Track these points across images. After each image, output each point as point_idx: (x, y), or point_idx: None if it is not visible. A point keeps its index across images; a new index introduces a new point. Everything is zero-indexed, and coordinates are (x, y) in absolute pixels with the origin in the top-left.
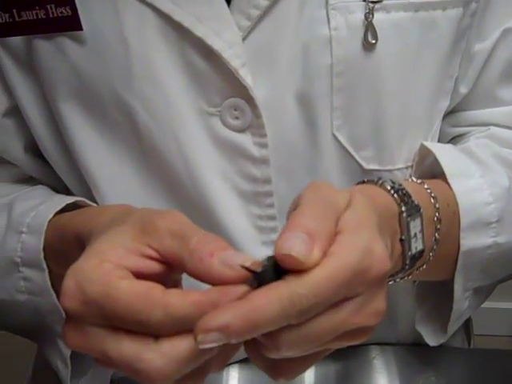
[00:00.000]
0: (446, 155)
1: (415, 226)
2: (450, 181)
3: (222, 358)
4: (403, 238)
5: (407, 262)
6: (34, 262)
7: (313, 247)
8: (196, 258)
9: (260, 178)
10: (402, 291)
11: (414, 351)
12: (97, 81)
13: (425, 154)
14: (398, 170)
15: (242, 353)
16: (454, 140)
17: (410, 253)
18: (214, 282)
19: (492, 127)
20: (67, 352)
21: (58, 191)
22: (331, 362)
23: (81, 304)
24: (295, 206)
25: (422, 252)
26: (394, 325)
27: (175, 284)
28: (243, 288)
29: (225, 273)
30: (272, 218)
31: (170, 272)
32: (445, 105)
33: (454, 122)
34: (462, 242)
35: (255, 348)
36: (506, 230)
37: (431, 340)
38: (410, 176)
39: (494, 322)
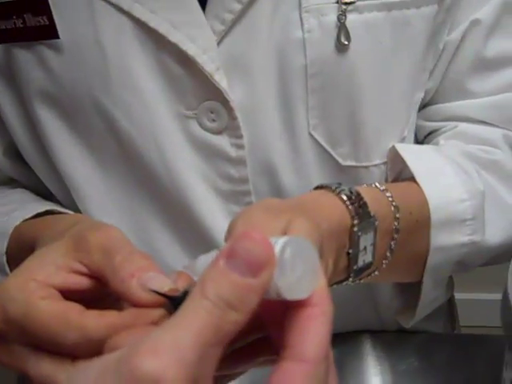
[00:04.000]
0: (416, 156)
1: (366, 240)
2: (418, 180)
3: None
4: (350, 252)
5: (351, 274)
6: None
7: None
8: (118, 278)
9: (238, 178)
10: (383, 284)
11: (398, 337)
12: (76, 88)
13: (396, 155)
14: (375, 166)
15: None
16: (429, 136)
17: (355, 266)
18: (133, 303)
19: (460, 124)
20: None
21: (39, 193)
22: None
23: (4, 323)
24: (228, 237)
25: (369, 264)
26: (378, 313)
27: (118, 299)
28: (159, 312)
29: (141, 296)
30: None
31: (102, 288)
32: (420, 96)
33: (427, 116)
34: (432, 239)
35: None
36: (481, 229)
37: (405, 323)
38: (387, 175)
39: (482, 312)
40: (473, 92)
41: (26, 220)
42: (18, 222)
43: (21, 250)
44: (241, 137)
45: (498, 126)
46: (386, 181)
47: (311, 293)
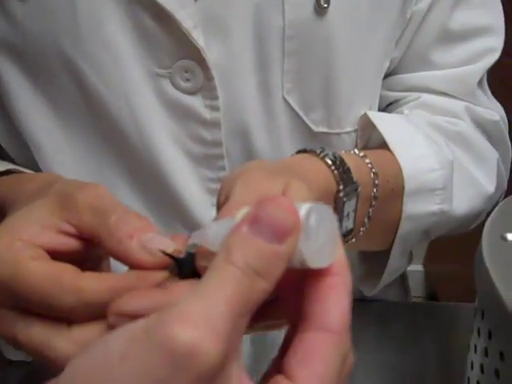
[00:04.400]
0: (388, 124)
1: (349, 206)
2: (392, 148)
3: None
4: None
5: None
6: None
7: None
8: (114, 238)
9: (211, 141)
10: (346, 252)
11: (357, 306)
12: (41, 40)
13: (368, 123)
14: (346, 133)
15: None
16: (388, 107)
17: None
18: (133, 265)
19: (423, 95)
20: None
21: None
22: None
23: None
24: (225, 199)
25: (351, 231)
26: None
27: (101, 259)
28: (162, 274)
29: (143, 258)
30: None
31: (90, 248)
32: (386, 65)
33: (388, 86)
34: (404, 207)
35: None
36: (450, 198)
37: (367, 291)
38: (357, 143)
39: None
40: (436, 63)
41: None
42: None
43: None
44: (216, 98)
45: (459, 98)
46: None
47: (333, 261)
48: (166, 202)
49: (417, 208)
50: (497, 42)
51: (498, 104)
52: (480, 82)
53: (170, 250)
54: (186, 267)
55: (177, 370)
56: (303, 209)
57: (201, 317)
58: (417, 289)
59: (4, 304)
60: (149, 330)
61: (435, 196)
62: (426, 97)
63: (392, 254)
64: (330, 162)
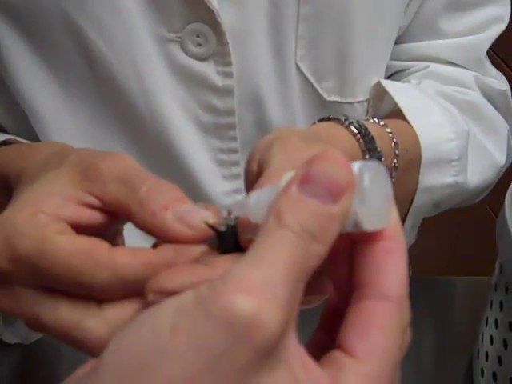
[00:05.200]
0: (402, 93)
1: None
2: (409, 118)
3: None
4: None
5: None
6: None
7: None
8: (147, 211)
9: (223, 110)
10: None
11: None
12: (42, 1)
13: (380, 91)
14: (359, 102)
15: None
16: (394, 76)
17: None
18: (168, 239)
19: (431, 64)
20: None
21: None
22: None
23: (9, 261)
24: (258, 168)
25: None
26: None
27: (116, 235)
28: (202, 248)
29: (182, 231)
30: (234, 151)
31: (112, 222)
32: (395, 35)
33: (395, 55)
34: (421, 178)
35: None
36: (465, 170)
37: None
38: (367, 112)
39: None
40: (444, 32)
41: None
42: None
43: None
44: (229, 64)
45: (467, 68)
46: None
47: (387, 223)
48: (173, 174)
49: (433, 179)
50: (504, 11)
51: (502, 75)
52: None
53: (210, 222)
54: (227, 241)
55: (236, 341)
56: (356, 166)
57: (259, 283)
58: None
59: (26, 282)
60: (201, 299)
61: (451, 167)
62: (434, 66)
63: (405, 227)
64: (355, 131)
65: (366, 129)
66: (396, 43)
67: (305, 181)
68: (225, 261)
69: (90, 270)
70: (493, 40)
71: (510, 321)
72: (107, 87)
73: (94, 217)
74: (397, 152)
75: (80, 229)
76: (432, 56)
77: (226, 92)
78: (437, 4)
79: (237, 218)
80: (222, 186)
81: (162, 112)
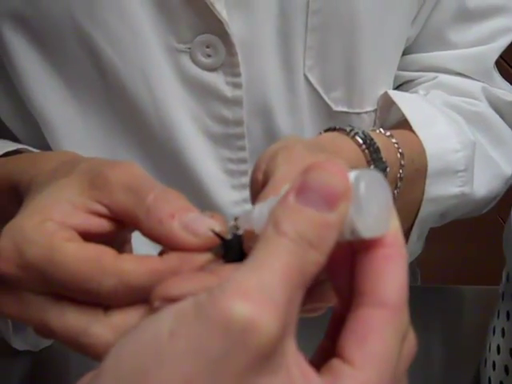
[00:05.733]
0: (409, 104)
1: None
2: (415, 129)
3: None
4: None
5: None
6: None
7: None
8: (154, 219)
9: (232, 120)
10: None
11: None
12: (53, 8)
13: (388, 102)
14: (366, 113)
15: None
16: (402, 86)
17: None
18: (175, 247)
19: (439, 75)
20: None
21: None
22: None
23: (18, 268)
24: (264, 177)
25: None
26: None
27: (124, 243)
28: (206, 257)
29: (188, 239)
30: (243, 161)
31: (120, 230)
32: (403, 46)
33: (403, 66)
34: (427, 189)
35: None
36: (471, 181)
37: None
38: (375, 122)
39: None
40: (452, 42)
41: None
42: None
43: None
44: (238, 75)
45: (475, 79)
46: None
47: (386, 231)
48: (183, 183)
49: (439, 190)
50: None
51: (509, 85)
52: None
53: (217, 229)
54: (232, 249)
55: (234, 346)
56: (352, 175)
57: (256, 288)
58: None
59: (34, 289)
60: (200, 305)
61: (457, 178)
62: (442, 77)
63: (411, 238)
64: (360, 141)
65: (372, 139)
66: (404, 54)
67: (301, 190)
68: (230, 269)
69: (97, 276)
70: (501, 51)
71: None
72: (117, 96)
73: (102, 225)
74: (402, 162)
75: (88, 236)
76: (440, 66)
77: (235, 102)
78: (445, 15)
79: (239, 228)
80: (231, 196)
81: (171, 121)
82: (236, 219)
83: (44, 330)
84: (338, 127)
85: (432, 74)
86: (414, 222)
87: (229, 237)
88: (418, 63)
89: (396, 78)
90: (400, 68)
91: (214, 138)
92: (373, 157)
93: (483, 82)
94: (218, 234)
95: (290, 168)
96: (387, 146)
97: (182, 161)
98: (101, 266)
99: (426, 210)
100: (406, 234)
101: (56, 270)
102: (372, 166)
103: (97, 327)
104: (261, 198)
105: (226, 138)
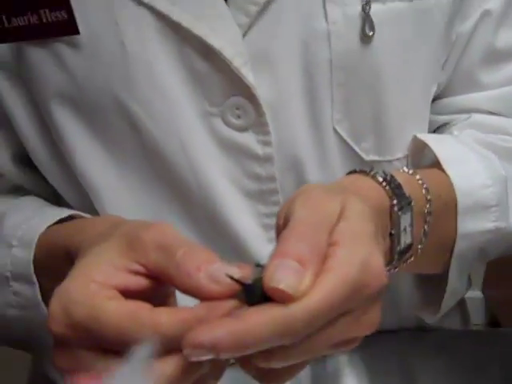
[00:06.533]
0: (439, 143)
1: (405, 220)
2: (444, 166)
3: (216, 371)
4: (393, 232)
5: (395, 256)
6: (23, 276)
7: (304, 276)
8: (183, 273)
9: (265, 177)
10: (403, 277)
11: (416, 335)
12: (95, 86)
13: (419, 145)
14: (397, 160)
15: None
16: (438, 130)
17: (398, 247)
18: (202, 297)
19: (473, 114)
20: None
21: (48, 201)
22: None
23: (67, 327)
24: (284, 221)
25: (410, 246)
26: (397, 312)
27: (168, 297)
28: (231, 303)
29: (212, 288)
30: None
31: (160, 286)
32: (434, 90)
33: (436, 110)
34: (459, 225)
35: (246, 357)
36: (505, 215)
37: (429, 318)
38: (407, 166)
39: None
40: (483, 84)
41: (49, 227)
42: (42, 230)
43: (51, 258)
44: (268, 133)
45: (509, 116)
46: None
47: None
48: (221, 239)
49: (472, 226)
50: None
51: None
52: None
53: (236, 277)
54: (254, 293)
55: None
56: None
57: None
58: (477, 316)
59: (82, 345)
60: None
61: (490, 213)
62: (475, 116)
63: (450, 274)
64: (380, 179)
65: (392, 176)
66: (438, 98)
67: None
68: (253, 312)
69: (136, 329)
70: None
71: None
72: (156, 161)
73: (141, 282)
74: (428, 197)
75: (129, 294)
76: (473, 108)
77: (267, 160)
78: (474, 57)
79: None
80: (267, 249)
81: (207, 181)
82: (259, 265)
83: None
84: (358, 169)
85: (465, 115)
86: (451, 259)
87: (249, 281)
88: (451, 106)
89: (431, 122)
90: (434, 112)
91: (249, 195)
92: (395, 192)
93: None
94: (237, 280)
95: (307, 210)
96: (410, 182)
97: (220, 218)
98: (138, 319)
99: (461, 245)
100: (445, 273)
101: (100, 326)
102: (395, 201)
103: None
104: (279, 240)
105: (260, 194)
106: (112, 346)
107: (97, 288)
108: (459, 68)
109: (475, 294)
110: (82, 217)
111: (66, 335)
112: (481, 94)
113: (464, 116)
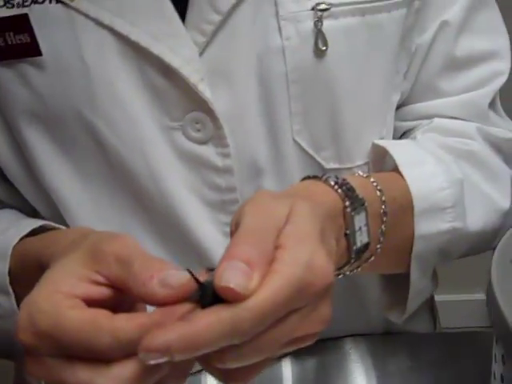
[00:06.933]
0: (398, 148)
1: (360, 220)
2: (401, 169)
3: (178, 372)
4: (348, 232)
5: (352, 255)
6: (0, 287)
7: (252, 276)
8: (138, 283)
9: (225, 187)
10: (371, 282)
11: (385, 339)
12: (60, 104)
13: (380, 152)
14: (357, 167)
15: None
16: (403, 135)
17: (355, 247)
18: (157, 303)
19: (436, 119)
20: None
21: (25, 213)
22: (308, 356)
23: (34, 336)
24: (235, 228)
25: (367, 245)
26: (366, 314)
27: (135, 305)
28: (186, 307)
29: (163, 292)
30: None
31: (122, 296)
32: (396, 99)
33: (401, 117)
34: (415, 227)
35: (205, 358)
36: (462, 215)
37: (396, 319)
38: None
39: (462, 314)
40: (444, 91)
41: (23, 238)
42: (15, 241)
43: (25, 268)
44: (227, 146)
45: (470, 121)
46: None
47: None
48: (184, 247)
49: (428, 227)
50: (504, 65)
51: (509, 121)
52: (491, 103)
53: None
54: (206, 294)
55: None
56: None
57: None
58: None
59: (49, 353)
60: None
61: (446, 214)
62: (437, 120)
63: (412, 274)
64: (332, 183)
65: (344, 179)
66: (402, 105)
67: None
68: (204, 315)
69: (95, 335)
70: (494, 93)
71: None
72: (120, 174)
73: (103, 292)
74: (383, 198)
75: (93, 303)
76: (435, 114)
77: (226, 171)
78: (435, 66)
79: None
80: None
81: (170, 193)
82: (212, 269)
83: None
84: (311, 176)
85: (428, 121)
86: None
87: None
88: (414, 113)
89: (396, 128)
90: (399, 119)
91: (210, 205)
92: (347, 194)
93: (479, 122)
94: (195, 278)
95: (254, 217)
96: (364, 184)
97: (183, 227)
98: (98, 325)
99: (419, 246)
100: (406, 275)
101: (63, 334)
102: (347, 203)
103: (100, 379)
104: (229, 246)
105: (221, 204)
106: (75, 353)
107: (61, 298)
108: (420, 77)
109: (481, 296)
110: (54, 227)
111: (34, 344)
112: (442, 100)
113: (426, 121)
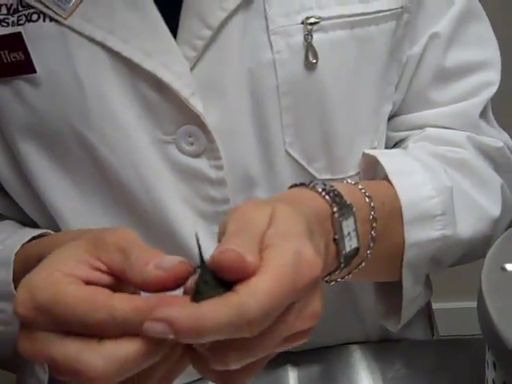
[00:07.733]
0: (388, 157)
1: (348, 225)
2: (390, 177)
3: (167, 375)
4: (336, 237)
5: (342, 260)
6: (5, 294)
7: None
8: (136, 271)
9: (219, 199)
10: (366, 291)
11: (382, 346)
12: (55, 120)
13: (371, 161)
14: (350, 177)
15: (193, 373)
16: (396, 145)
17: (344, 251)
18: (153, 288)
19: (427, 128)
20: (45, 378)
21: (24, 225)
22: (310, 365)
23: (32, 310)
24: (221, 235)
25: (357, 250)
26: (362, 322)
27: (134, 293)
28: (184, 298)
29: (158, 274)
30: None
31: (121, 286)
32: (388, 109)
33: (393, 127)
34: (406, 235)
35: (202, 362)
36: (452, 223)
37: (392, 327)
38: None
39: (460, 322)
40: (435, 101)
41: (24, 244)
42: (17, 248)
43: (27, 271)
44: (219, 158)
45: (461, 130)
46: None
47: None
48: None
49: (418, 235)
50: (493, 75)
51: (504, 132)
52: (483, 113)
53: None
54: (204, 279)
55: None
56: None
57: None
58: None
59: (45, 327)
60: None
61: (435, 222)
62: (429, 130)
63: (404, 282)
64: (320, 190)
65: (332, 186)
66: (394, 116)
67: None
68: (210, 300)
69: (91, 311)
70: (484, 103)
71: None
72: (115, 186)
73: (104, 278)
74: (372, 204)
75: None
76: (426, 124)
77: (220, 183)
78: (425, 77)
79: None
80: None
81: (164, 205)
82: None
83: (53, 365)
84: (299, 183)
85: (419, 130)
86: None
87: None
88: (406, 124)
89: (389, 138)
90: (391, 129)
91: (204, 216)
92: (335, 200)
93: (470, 132)
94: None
95: (236, 224)
96: (352, 191)
97: (177, 239)
98: (94, 301)
99: (410, 254)
100: (400, 283)
101: (60, 308)
102: (335, 209)
103: (88, 354)
104: (215, 251)
105: (215, 215)
106: (70, 328)
107: (61, 275)
108: (412, 88)
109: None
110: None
111: (31, 318)
112: (433, 111)
113: (418, 131)
